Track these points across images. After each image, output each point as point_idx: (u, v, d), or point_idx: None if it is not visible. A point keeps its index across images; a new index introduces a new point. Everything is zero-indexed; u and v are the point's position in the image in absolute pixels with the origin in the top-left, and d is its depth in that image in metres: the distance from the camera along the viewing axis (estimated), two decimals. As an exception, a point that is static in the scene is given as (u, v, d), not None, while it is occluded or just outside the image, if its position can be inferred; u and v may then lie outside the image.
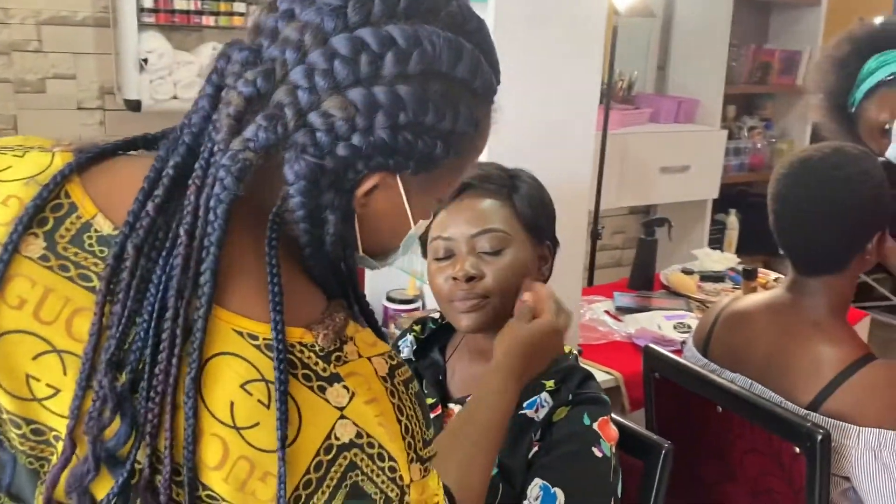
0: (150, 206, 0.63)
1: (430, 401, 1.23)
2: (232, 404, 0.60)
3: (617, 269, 3.88)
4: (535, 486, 1.07)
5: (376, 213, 0.70)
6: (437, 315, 1.37)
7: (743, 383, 1.43)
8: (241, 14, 2.68)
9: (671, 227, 2.42)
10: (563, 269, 1.25)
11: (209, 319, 0.61)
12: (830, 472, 1.28)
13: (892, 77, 1.52)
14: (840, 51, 1.64)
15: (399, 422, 0.67)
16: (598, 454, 1.08)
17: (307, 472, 0.62)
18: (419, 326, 1.36)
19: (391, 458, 0.66)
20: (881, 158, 1.46)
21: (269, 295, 0.62)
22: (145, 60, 2.50)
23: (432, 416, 1.21)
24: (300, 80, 0.62)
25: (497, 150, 1.60)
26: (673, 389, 1.53)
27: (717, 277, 2.40)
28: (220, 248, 0.62)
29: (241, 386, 0.61)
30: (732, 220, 3.53)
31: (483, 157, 1.74)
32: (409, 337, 1.35)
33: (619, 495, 1.12)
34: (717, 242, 3.51)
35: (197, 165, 0.64)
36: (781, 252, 1.44)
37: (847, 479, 1.33)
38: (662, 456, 1.21)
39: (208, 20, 2.63)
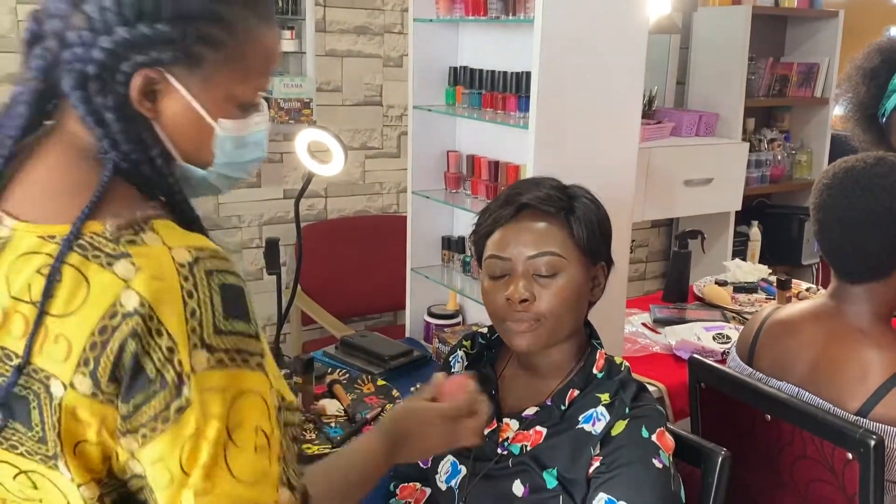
0: None
1: (484, 415, 1.25)
2: (29, 285, 0.75)
3: (642, 283, 3.90)
4: (601, 501, 1.08)
5: (173, 118, 0.81)
6: (484, 330, 1.39)
7: (790, 391, 1.44)
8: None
9: (704, 239, 2.43)
10: (608, 282, 1.26)
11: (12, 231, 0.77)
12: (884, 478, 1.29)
13: None
14: (870, 62, 1.67)
15: (185, 303, 0.74)
16: (659, 465, 1.10)
17: (92, 334, 0.73)
18: (468, 342, 1.38)
19: (170, 338, 0.73)
20: None
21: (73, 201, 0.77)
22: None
23: (487, 430, 1.23)
24: (51, 8, 0.78)
25: (549, 166, 1.62)
26: (719, 399, 1.54)
27: (749, 288, 2.40)
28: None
29: (37, 271, 0.75)
30: (755, 232, 3.52)
31: (538, 172, 1.76)
32: (460, 353, 1.36)
33: (683, 501, 1.13)
34: (740, 254, 3.51)
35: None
36: (805, 262, 1.45)
37: (898, 483, 1.34)
38: (720, 462, 1.23)
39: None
